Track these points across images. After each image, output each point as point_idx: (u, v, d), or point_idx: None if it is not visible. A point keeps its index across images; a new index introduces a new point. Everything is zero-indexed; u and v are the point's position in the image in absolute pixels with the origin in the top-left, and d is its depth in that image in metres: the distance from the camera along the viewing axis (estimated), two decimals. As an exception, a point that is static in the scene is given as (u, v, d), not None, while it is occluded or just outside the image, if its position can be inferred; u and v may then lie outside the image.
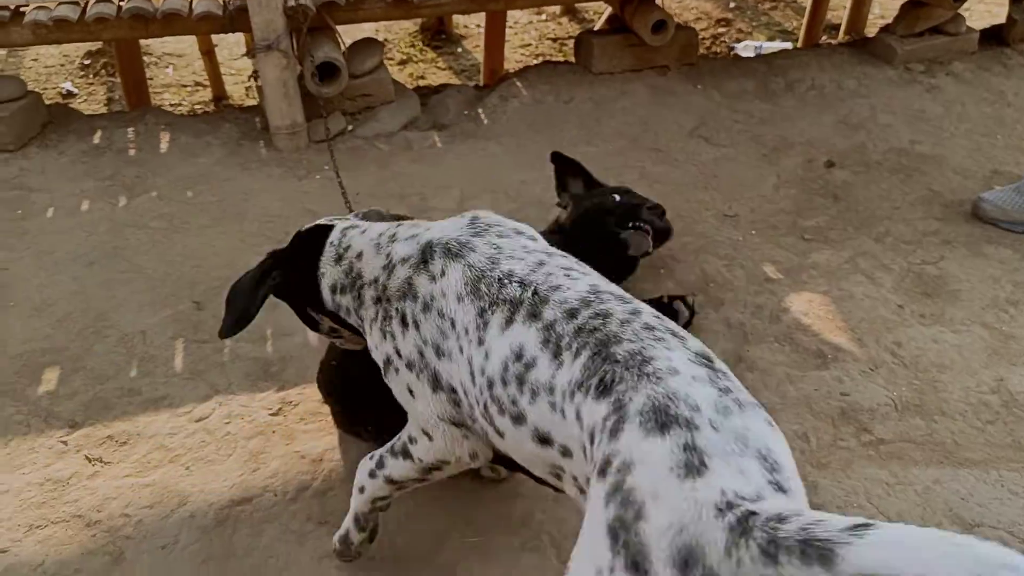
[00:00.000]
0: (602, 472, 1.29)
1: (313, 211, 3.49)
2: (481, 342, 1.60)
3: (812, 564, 1.04)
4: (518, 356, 1.53)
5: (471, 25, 7.15)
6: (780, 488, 1.21)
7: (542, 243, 1.78)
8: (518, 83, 4.54)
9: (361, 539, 2.04)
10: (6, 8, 3.64)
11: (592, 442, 1.36)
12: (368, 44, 4.21)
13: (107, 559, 2.12)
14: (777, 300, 3.02)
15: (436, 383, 1.71)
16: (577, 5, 7.13)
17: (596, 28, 5.14)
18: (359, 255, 1.86)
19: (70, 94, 5.84)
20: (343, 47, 3.99)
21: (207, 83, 6.15)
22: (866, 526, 1.05)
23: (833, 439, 2.45)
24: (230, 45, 6.44)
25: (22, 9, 3.67)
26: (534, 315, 1.55)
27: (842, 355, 2.75)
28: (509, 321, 1.57)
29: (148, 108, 4.39)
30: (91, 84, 6.15)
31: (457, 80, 5.85)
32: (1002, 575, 0.95)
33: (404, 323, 1.73)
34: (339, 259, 1.90)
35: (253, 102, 5.62)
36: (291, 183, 3.71)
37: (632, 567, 1.19)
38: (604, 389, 1.38)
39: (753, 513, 1.13)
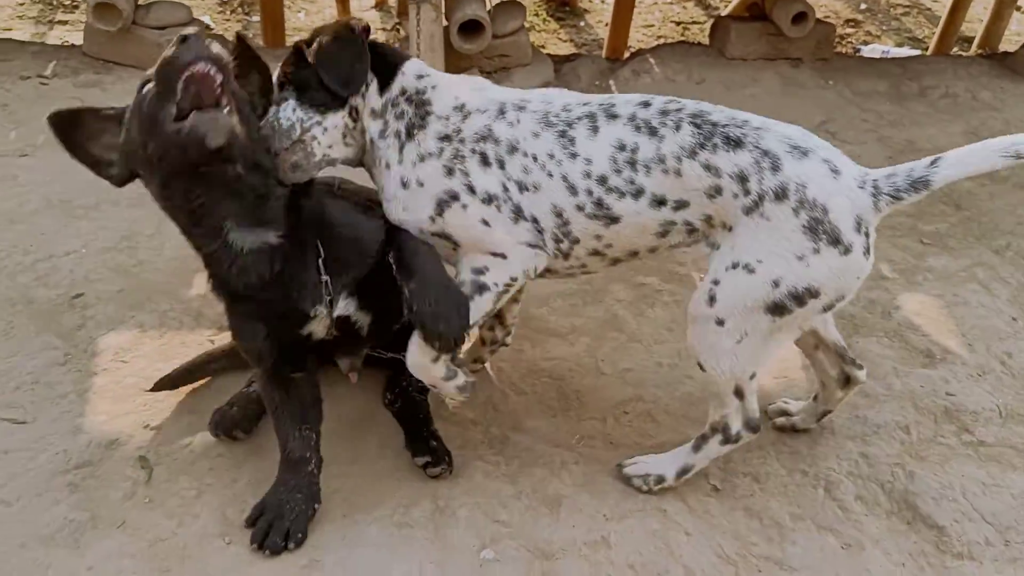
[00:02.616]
0: (780, 196, 1.91)
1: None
2: (574, 156, 2.03)
3: (920, 190, 1.96)
4: (621, 147, 2.02)
5: (595, 0, 7.22)
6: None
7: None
8: (651, 60, 4.63)
9: (463, 383, 2.20)
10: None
11: (744, 182, 1.93)
12: (512, 6, 4.35)
13: (250, 445, 2.34)
14: (890, 297, 3.07)
15: (519, 215, 2.06)
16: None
17: (728, 13, 5.18)
18: (435, 87, 2.12)
19: (207, 28, 6.13)
20: (488, 6, 4.13)
21: (336, 30, 6.37)
22: (937, 159, 1.96)
23: (934, 435, 2.52)
24: (359, -2, 6.63)
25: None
26: (612, 116, 2.05)
27: (951, 357, 2.80)
28: (595, 128, 2.04)
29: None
30: (227, 20, 6.43)
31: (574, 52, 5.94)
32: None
33: (485, 163, 2.05)
34: (419, 77, 2.13)
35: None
36: (427, 131, 3.88)
37: (833, 242, 1.91)
38: (736, 143, 1.95)
39: (875, 180, 1.96)
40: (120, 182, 2.02)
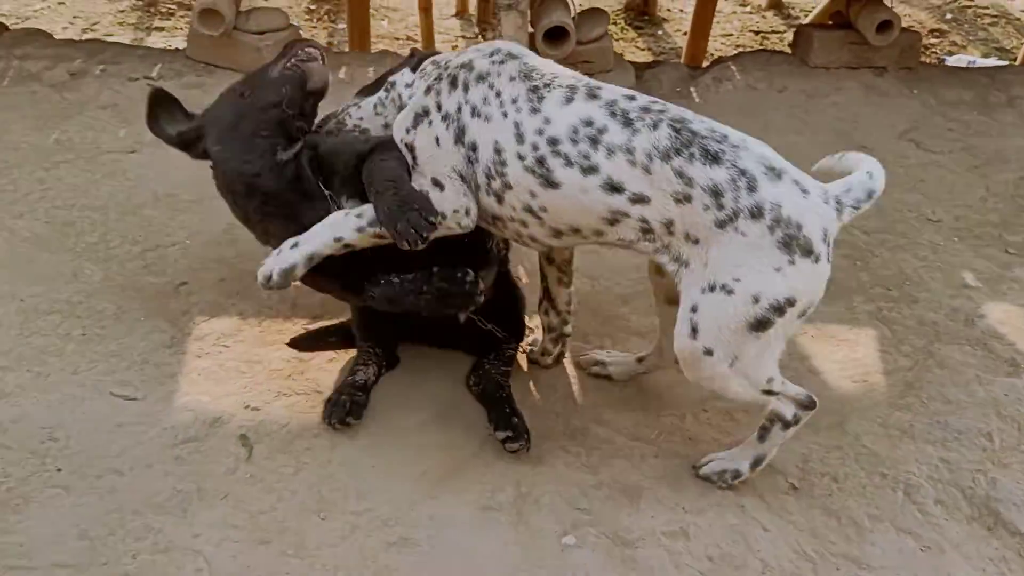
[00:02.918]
0: (756, 215, 2.00)
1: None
2: (535, 111, 2.12)
3: (871, 199, 2.12)
4: (588, 123, 2.08)
5: (674, 9, 7.26)
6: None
7: None
8: (732, 67, 4.66)
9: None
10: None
11: (718, 196, 2.00)
12: (596, 13, 4.44)
13: (341, 428, 2.46)
14: (974, 306, 3.06)
15: (459, 137, 2.18)
16: (786, 0, 7.12)
17: (810, 22, 5.18)
18: (456, 56, 2.31)
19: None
20: (573, 13, 4.22)
21: (417, 39, 6.55)
22: (871, 172, 2.15)
23: (1017, 442, 2.51)
24: (440, 5, 6.78)
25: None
26: (593, 96, 2.12)
27: (1036, 367, 2.78)
28: (569, 99, 2.11)
29: (387, 52, 4.77)
30: (314, 27, 6.65)
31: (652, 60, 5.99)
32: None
33: (453, 84, 2.21)
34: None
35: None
36: (511, 134, 3.98)
37: (806, 253, 2.02)
38: (713, 158, 2.01)
39: (837, 195, 2.09)
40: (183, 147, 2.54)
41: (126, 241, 3.15)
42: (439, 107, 2.22)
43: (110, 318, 2.81)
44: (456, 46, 6.56)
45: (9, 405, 2.47)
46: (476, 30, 6.86)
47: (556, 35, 4.16)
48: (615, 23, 6.81)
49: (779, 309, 2.05)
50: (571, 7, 4.22)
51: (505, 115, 2.14)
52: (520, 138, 2.12)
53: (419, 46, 6.39)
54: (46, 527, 2.13)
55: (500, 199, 2.19)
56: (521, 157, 2.12)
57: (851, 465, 2.44)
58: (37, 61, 4.24)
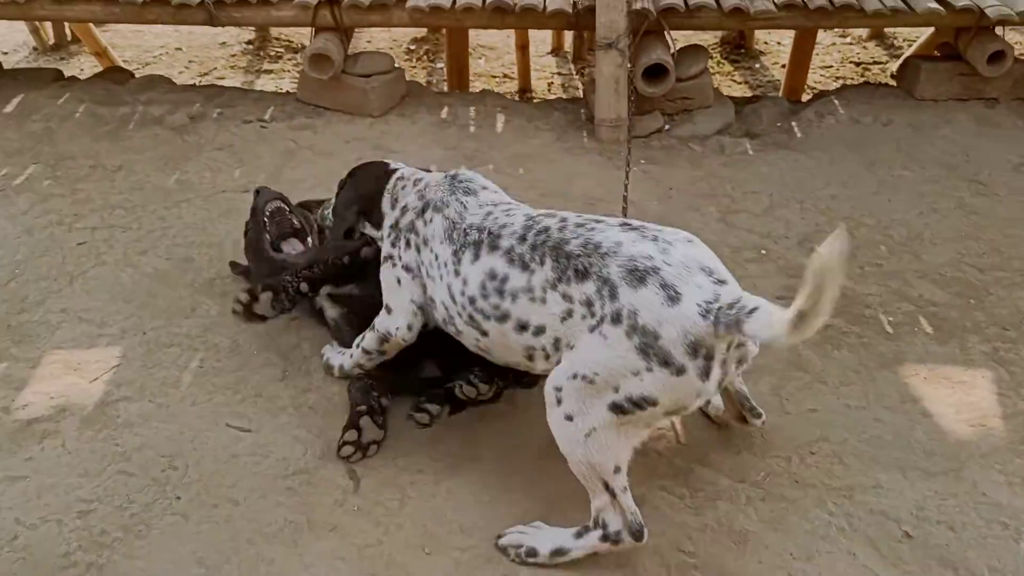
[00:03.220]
0: (616, 320, 2.04)
1: (632, 200, 3.77)
2: (458, 273, 2.37)
3: (742, 328, 1.95)
4: (492, 276, 2.29)
5: (771, 42, 7.19)
6: (721, 281, 2.06)
7: (499, 195, 2.55)
8: (835, 101, 4.59)
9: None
10: (389, -7, 4.21)
11: (590, 306, 2.09)
12: (695, 50, 4.44)
13: (448, 463, 2.49)
14: (1099, 349, 2.92)
15: (424, 290, 2.51)
16: (887, 30, 6.98)
17: (915, 53, 5.07)
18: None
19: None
20: (673, 50, 4.24)
21: (514, 76, 6.67)
22: (754, 310, 1.94)
23: None
24: (536, 44, 6.88)
25: (404, -5, 4.23)
26: (494, 247, 2.31)
27: None
28: (476, 256, 2.33)
29: (487, 92, 4.87)
30: (413, 68, 6.85)
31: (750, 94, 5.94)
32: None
33: (408, 245, 2.54)
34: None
35: (554, 95, 6.03)
36: (611, 172, 4.01)
37: (664, 363, 2.00)
38: (582, 274, 2.12)
39: (719, 307, 1.98)
40: None
41: (241, 279, 3.29)
42: (400, 259, 2.56)
43: (225, 352, 2.93)
44: (551, 83, 6.65)
45: (133, 434, 2.59)
46: (572, 67, 6.95)
47: (656, 72, 4.17)
48: (711, 57, 6.80)
49: (638, 404, 2.06)
50: (670, 44, 4.23)
51: (442, 278, 2.43)
52: (453, 299, 2.40)
53: (516, 83, 6.51)
54: (167, 553, 2.23)
55: (460, 333, 2.46)
56: (460, 314, 2.40)
57: (969, 514, 2.34)
58: (160, 106, 4.49)
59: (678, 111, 4.42)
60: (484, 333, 2.35)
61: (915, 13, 4.14)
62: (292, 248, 3.11)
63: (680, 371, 2.01)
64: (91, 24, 6.15)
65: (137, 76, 4.99)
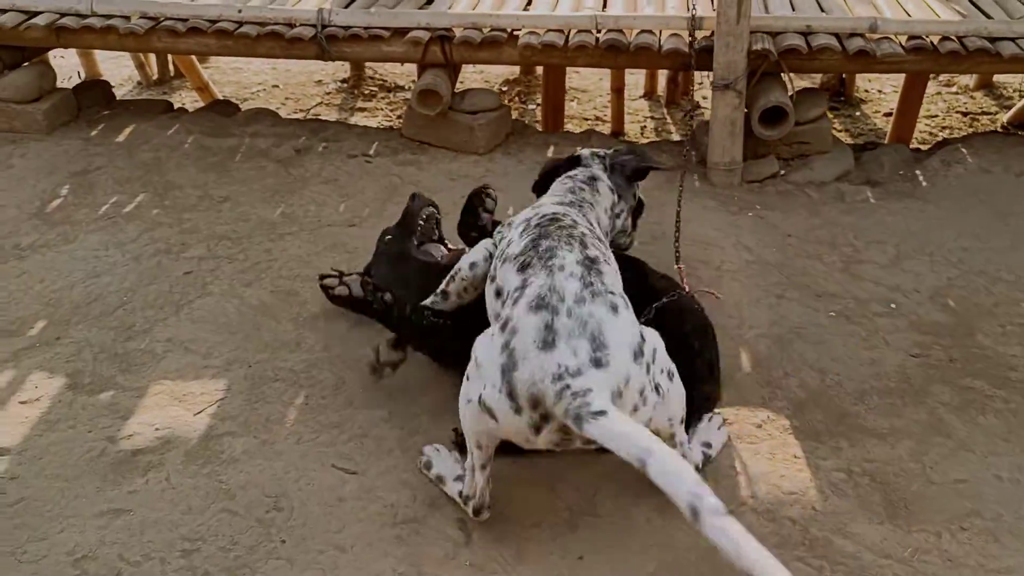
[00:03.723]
0: (503, 327, 2.11)
1: (747, 246, 3.61)
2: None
3: (580, 426, 1.92)
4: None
5: (872, 90, 6.98)
6: (598, 363, 2.01)
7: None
8: (963, 149, 4.35)
9: None
10: (503, 30, 4.15)
11: (503, 299, 2.24)
12: (814, 94, 4.27)
13: (566, 516, 2.34)
14: None
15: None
16: (997, 80, 6.71)
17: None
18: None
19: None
20: (791, 92, 4.08)
21: (606, 118, 6.57)
22: (602, 413, 1.92)
23: None
24: (628, 88, 6.79)
25: (515, 32, 4.16)
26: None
27: None
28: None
29: (593, 131, 4.77)
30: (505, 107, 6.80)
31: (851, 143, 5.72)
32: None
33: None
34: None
35: (648, 139, 5.91)
36: (724, 216, 3.85)
37: (509, 395, 2.03)
38: (522, 267, 2.24)
39: (568, 388, 1.96)
40: None
41: (345, 314, 3.21)
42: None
43: (330, 389, 2.84)
44: (645, 127, 6.54)
45: (237, 471, 2.51)
46: (664, 111, 6.84)
47: (774, 116, 4.01)
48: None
49: (488, 411, 2.10)
50: (789, 86, 4.07)
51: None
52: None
53: (608, 126, 6.42)
54: (271, 600, 2.12)
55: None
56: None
57: None
58: (266, 138, 4.50)
59: (794, 156, 4.24)
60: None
61: (1056, 59, 3.90)
62: (437, 252, 3.15)
63: (517, 411, 2.03)
64: (194, 59, 6.30)
65: (244, 110, 5.03)
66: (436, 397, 2.79)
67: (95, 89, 5.01)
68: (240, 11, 4.20)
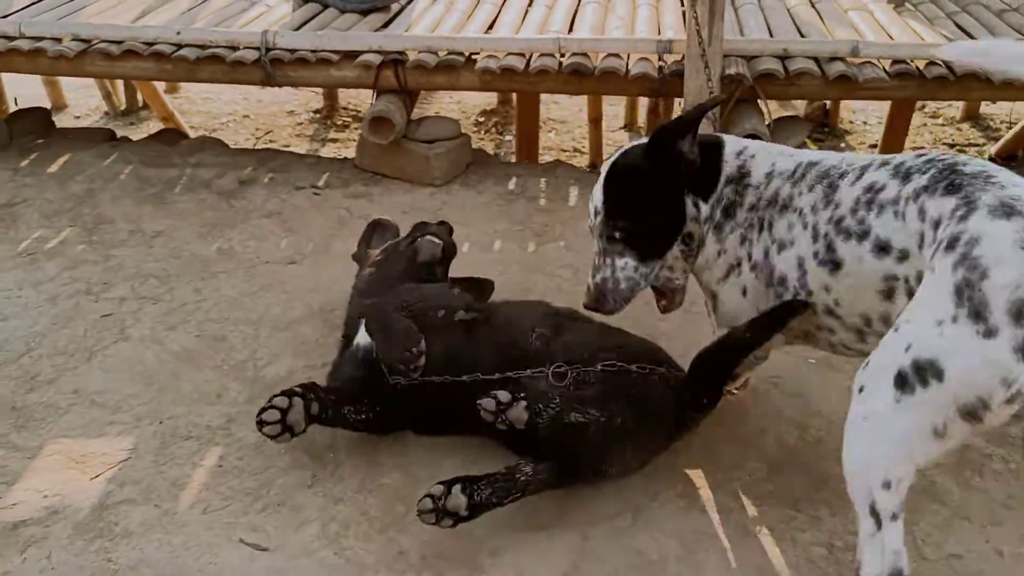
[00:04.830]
0: (950, 247, 1.67)
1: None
2: (829, 202, 2.03)
3: None
4: (868, 188, 1.96)
5: (856, 121, 6.80)
6: None
7: None
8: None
9: None
10: (460, 54, 3.89)
11: (936, 228, 1.75)
12: (794, 122, 4.03)
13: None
14: None
15: (770, 280, 2.15)
16: (984, 112, 6.53)
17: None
18: (753, 156, 2.26)
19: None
20: (768, 120, 3.82)
21: (584, 150, 6.35)
22: None
23: None
24: (608, 119, 6.58)
25: (474, 56, 3.90)
26: (885, 163, 2.00)
27: None
28: (862, 175, 2.01)
29: (559, 162, 4.50)
30: (481, 139, 6.58)
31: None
32: None
33: (761, 228, 2.15)
34: (738, 154, 2.27)
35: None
36: (696, 252, 3.57)
37: (974, 316, 1.58)
38: (952, 188, 1.78)
39: None
40: None
41: (275, 360, 2.91)
42: (750, 258, 2.20)
43: (250, 448, 2.53)
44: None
45: (130, 547, 2.18)
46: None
47: (749, 144, 3.75)
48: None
49: (920, 372, 1.64)
50: (766, 113, 3.82)
51: (805, 226, 2.08)
52: (815, 237, 2.05)
53: (587, 158, 6.19)
54: None
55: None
56: (816, 255, 2.05)
57: None
58: (209, 169, 4.22)
59: (772, 187, 3.97)
60: (837, 265, 2.01)
61: (1053, 84, 3.65)
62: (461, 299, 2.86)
63: (989, 333, 1.58)
64: (157, 88, 6.04)
65: (190, 138, 4.75)
66: (369, 460, 2.48)
67: (31, 116, 4.72)
68: (179, 33, 3.92)
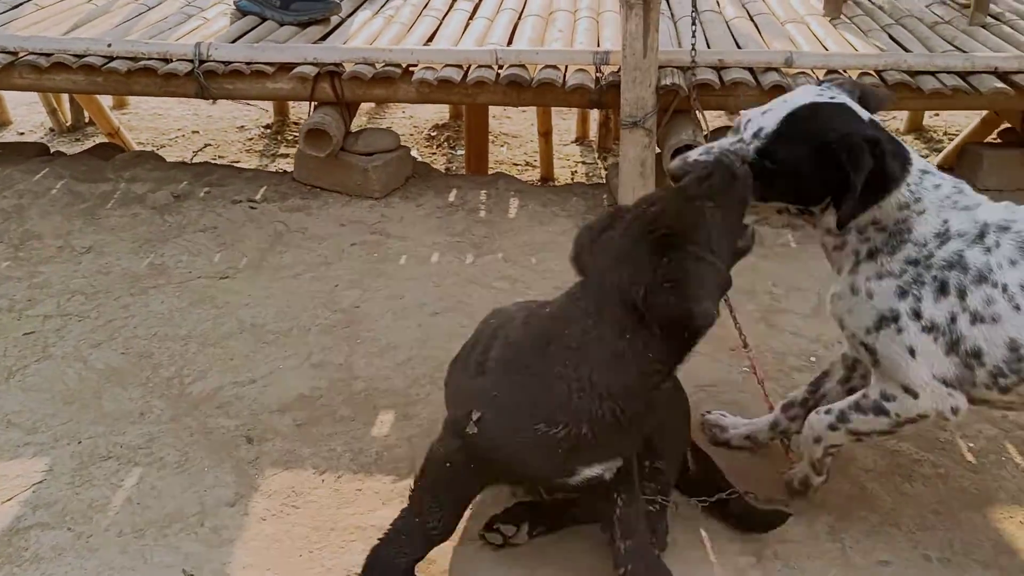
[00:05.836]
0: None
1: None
2: None
3: None
4: None
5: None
6: None
7: None
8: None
9: (820, 481, 2.29)
10: (397, 65, 3.85)
11: None
12: (728, 132, 4.02)
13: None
14: None
15: (953, 347, 1.96)
16: (926, 124, 6.63)
17: (967, 140, 4.65)
18: (921, 212, 1.99)
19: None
20: (706, 132, 3.83)
21: (536, 164, 6.33)
22: None
23: None
24: (560, 132, 6.58)
25: (411, 68, 3.87)
26: None
27: None
28: None
29: (501, 175, 4.48)
30: (433, 154, 6.54)
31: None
32: None
33: (943, 291, 1.96)
34: (902, 207, 1.99)
35: (577, 182, 5.67)
36: (635, 263, 3.55)
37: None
38: None
39: None
40: None
41: (203, 376, 2.84)
42: (917, 316, 1.98)
43: (171, 467, 2.46)
44: (575, 172, 6.30)
45: (39, 573, 2.10)
46: (596, 155, 6.61)
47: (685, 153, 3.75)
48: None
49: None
50: (703, 124, 3.83)
51: (1018, 308, 1.93)
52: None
53: (539, 171, 6.17)
54: None
55: (1006, 390, 1.99)
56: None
57: None
58: (144, 183, 4.12)
59: (711, 198, 3.98)
60: None
61: (979, 94, 3.69)
62: None
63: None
64: (101, 103, 5.91)
65: (125, 153, 4.65)
66: (296, 477, 2.42)
67: (-40, 132, 4.59)
68: (110, 45, 3.84)
